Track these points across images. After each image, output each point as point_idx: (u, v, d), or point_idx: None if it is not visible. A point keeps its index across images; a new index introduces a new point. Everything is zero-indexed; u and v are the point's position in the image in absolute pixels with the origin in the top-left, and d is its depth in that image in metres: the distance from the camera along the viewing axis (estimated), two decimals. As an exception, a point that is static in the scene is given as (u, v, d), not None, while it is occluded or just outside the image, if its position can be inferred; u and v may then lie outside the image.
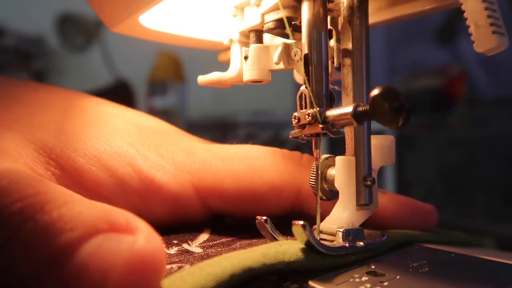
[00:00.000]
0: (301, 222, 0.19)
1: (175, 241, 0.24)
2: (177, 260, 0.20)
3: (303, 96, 0.22)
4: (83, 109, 0.27)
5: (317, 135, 0.22)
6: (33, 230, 0.16)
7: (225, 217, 0.28)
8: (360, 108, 0.19)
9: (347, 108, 0.20)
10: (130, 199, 0.25)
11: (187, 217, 0.27)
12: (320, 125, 0.21)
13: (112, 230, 0.16)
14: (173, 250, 0.22)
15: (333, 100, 0.22)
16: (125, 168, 0.24)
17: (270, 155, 0.27)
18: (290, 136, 0.22)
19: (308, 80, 0.22)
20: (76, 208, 0.16)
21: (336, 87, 0.23)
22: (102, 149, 0.24)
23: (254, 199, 0.26)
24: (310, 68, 0.22)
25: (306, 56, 0.22)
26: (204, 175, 0.26)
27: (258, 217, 0.22)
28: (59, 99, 0.27)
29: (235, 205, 0.26)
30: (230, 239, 0.24)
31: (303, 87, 0.22)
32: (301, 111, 0.22)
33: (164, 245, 0.23)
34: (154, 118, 0.30)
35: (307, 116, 0.21)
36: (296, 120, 0.22)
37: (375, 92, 0.18)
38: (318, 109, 0.21)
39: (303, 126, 0.22)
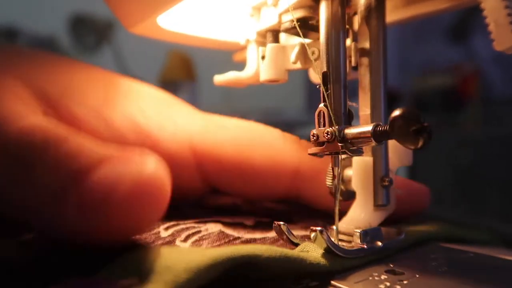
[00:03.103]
0: (319, 228, 0.20)
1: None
2: None
3: (322, 113, 0.22)
4: (92, 72, 0.27)
5: (335, 153, 0.22)
6: (55, 154, 0.17)
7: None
8: (380, 128, 0.19)
9: (366, 127, 0.20)
10: None
11: (185, 184, 0.26)
12: (339, 144, 0.21)
13: (127, 157, 0.17)
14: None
15: (351, 117, 0.22)
16: (122, 121, 0.25)
17: (270, 133, 0.27)
18: (308, 153, 0.22)
19: (327, 97, 0.22)
20: (94, 142, 0.18)
21: (354, 104, 0.23)
22: (101, 101, 0.25)
23: (251, 171, 0.26)
24: (328, 86, 0.22)
25: (324, 73, 0.22)
26: (203, 138, 0.26)
27: (276, 222, 0.22)
28: (73, 63, 0.27)
29: (232, 176, 0.26)
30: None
31: (321, 105, 0.22)
32: (319, 128, 0.22)
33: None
34: (162, 91, 0.30)
35: (325, 134, 0.21)
36: (314, 138, 0.22)
37: (395, 113, 0.18)
38: (337, 127, 0.21)
39: (321, 144, 0.22)
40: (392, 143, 0.24)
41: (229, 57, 0.33)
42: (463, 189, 1.13)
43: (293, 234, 0.22)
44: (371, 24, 0.23)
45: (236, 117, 0.30)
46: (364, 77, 0.24)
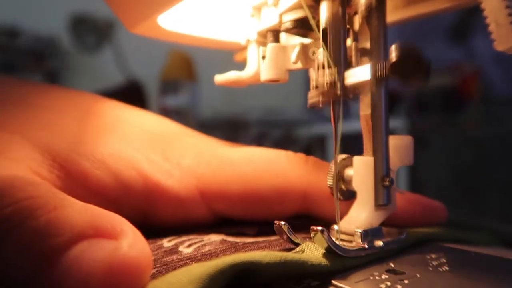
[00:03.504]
0: (320, 228, 0.20)
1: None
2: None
3: (321, 63, 0.22)
4: (90, 112, 0.27)
5: (334, 101, 0.22)
6: (22, 235, 0.16)
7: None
8: (380, 73, 0.19)
9: (365, 70, 0.20)
10: (136, 202, 0.25)
11: (193, 220, 0.27)
12: (338, 91, 0.21)
13: (97, 236, 0.16)
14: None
15: (349, 66, 0.22)
16: (129, 172, 0.25)
17: (275, 159, 0.27)
18: (308, 105, 0.22)
19: (327, 47, 0.22)
20: (65, 213, 0.17)
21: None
22: (107, 153, 0.24)
23: (260, 203, 0.26)
24: (328, 39, 0.22)
25: (324, 30, 0.22)
26: (209, 179, 0.26)
27: (276, 222, 0.22)
28: (66, 101, 0.27)
29: (241, 208, 0.27)
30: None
31: (320, 50, 0.22)
32: (319, 79, 0.22)
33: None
34: (161, 120, 0.30)
35: (325, 83, 0.21)
36: (314, 85, 0.22)
37: (395, 51, 0.18)
38: (336, 75, 0.21)
39: (321, 93, 0.22)
40: (392, 143, 0.24)
41: (229, 57, 0.33)
42: (464, 189, 1.13)
43: (294, 234, 0.22)
44: (372, 24, 0.23)
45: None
46: (365, 77, 0.24)
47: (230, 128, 1.30)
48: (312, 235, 0.20)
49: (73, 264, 0.15)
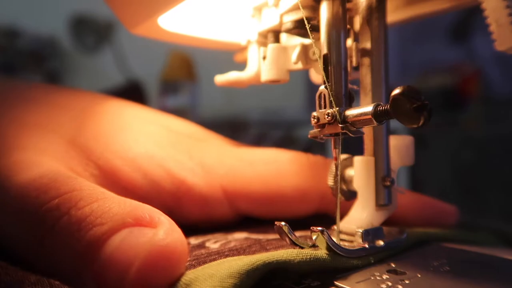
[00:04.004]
0: (320, 228, 0.20)
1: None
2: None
3: (322, 95, 0.22)
4: (116, 113, 0.28)
5: (336, 134, 0.22)
6: (68, 224, 0.17)
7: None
8: (381, 108, 0.19)
9: (367, 108, 0.20)
10: (163, 199, 0.26)
11: (217, 218, 0.28)
12: (340, 125, 0.21)
13: (137, 224, 0.17)
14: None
15: (352, 99, 0.22)
16: (157, 171, 0.26)
17: (296, 160, 0.28)
18: (309, 136, 0.22)
19: (327, 79, 0.22)
20: (107, 204, 0.18)
21: (355, 87, 0.23)
22: (138, 152, 0.26)
23: (281, 202, 0.27)
24: (329, 68, 0.22)
25: (325, 56, 0.22)
26: (232, 179, 0.27)
27: (277, 223, 0.22)
28: (90, 102, 0.28)
29: (262, 207, 0.28)
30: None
31: (322, 87, 0.22)
32: (320, 110, 0.22)
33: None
34: (183, 122, 0.31)
35: (326, 116, 0.21)
36: (315, 120, 0.22)
37: (396, 91, 0.18)
38: (337, 108, 0.21)
39: (322, 126, 0.22)
40: (393, 143, 0.24)
41: (229, 57, 0.33)
42: (464, 189, 1.13)
43: (294, 235, 0.22)
44: (372, 24, 0.23)
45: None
46: (365, 78, 0.24)
47: (230, 128, 1.30)
48: (312, 235, 0.20)
49: (115, 249, 0.16)
